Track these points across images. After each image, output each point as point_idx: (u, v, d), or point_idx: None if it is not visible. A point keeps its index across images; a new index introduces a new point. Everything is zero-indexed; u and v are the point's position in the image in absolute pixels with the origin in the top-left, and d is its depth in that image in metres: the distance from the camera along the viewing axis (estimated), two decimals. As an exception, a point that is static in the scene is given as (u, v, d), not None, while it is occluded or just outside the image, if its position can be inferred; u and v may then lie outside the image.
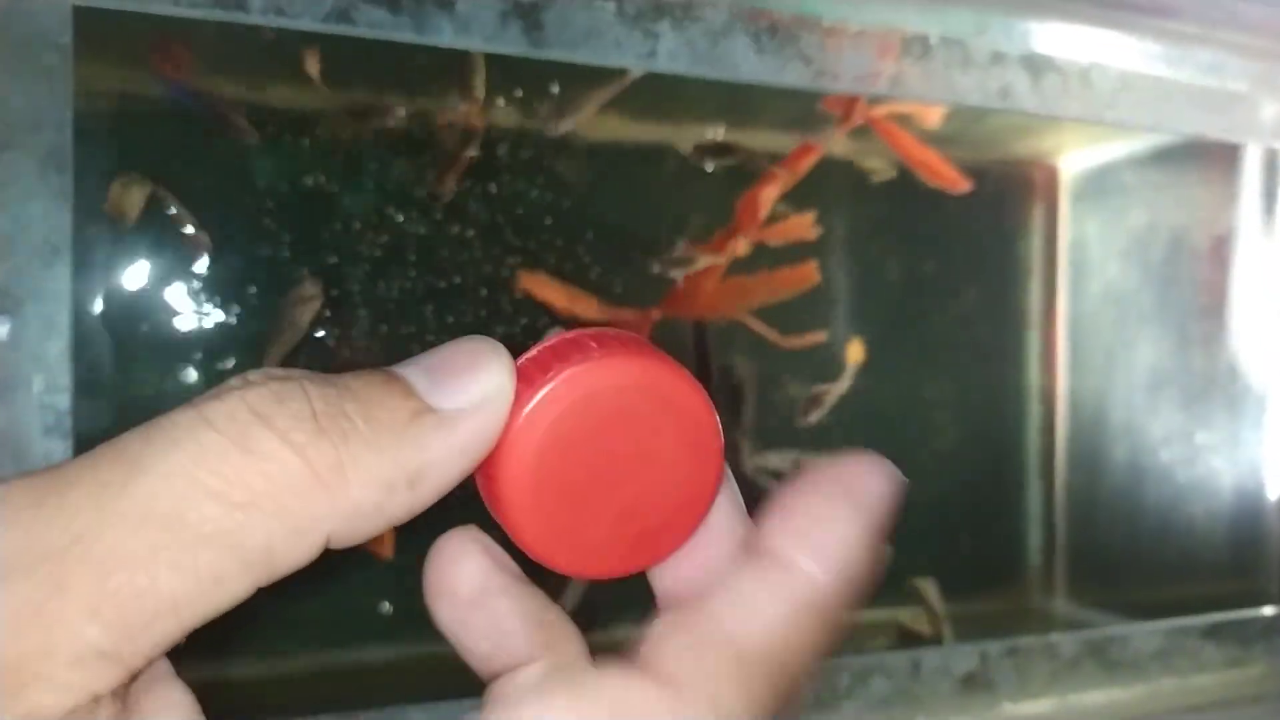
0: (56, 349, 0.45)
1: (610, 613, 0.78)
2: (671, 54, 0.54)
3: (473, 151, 0.71)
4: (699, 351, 0.79)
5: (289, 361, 0.66)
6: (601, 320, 0.76)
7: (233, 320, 0.68)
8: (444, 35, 0.50)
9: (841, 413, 0.87)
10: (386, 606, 0.72)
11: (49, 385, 0.44)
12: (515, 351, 0.25)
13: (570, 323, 0.77)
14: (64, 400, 0.45)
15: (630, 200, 0.80)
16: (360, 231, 0.73)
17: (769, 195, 0.76)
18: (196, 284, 0.66)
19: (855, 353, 0.79)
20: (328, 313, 0.67)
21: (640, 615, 0.78)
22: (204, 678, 0.67)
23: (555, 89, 0.70)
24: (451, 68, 0.70)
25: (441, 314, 0.74)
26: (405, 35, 0.49)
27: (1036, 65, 0.64)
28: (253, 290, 0.67)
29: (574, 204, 0.78)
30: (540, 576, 0.26)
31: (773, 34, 0.56)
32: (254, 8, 0.45)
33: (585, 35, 0.52)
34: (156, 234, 0.63)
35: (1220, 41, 0.70)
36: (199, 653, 0.66)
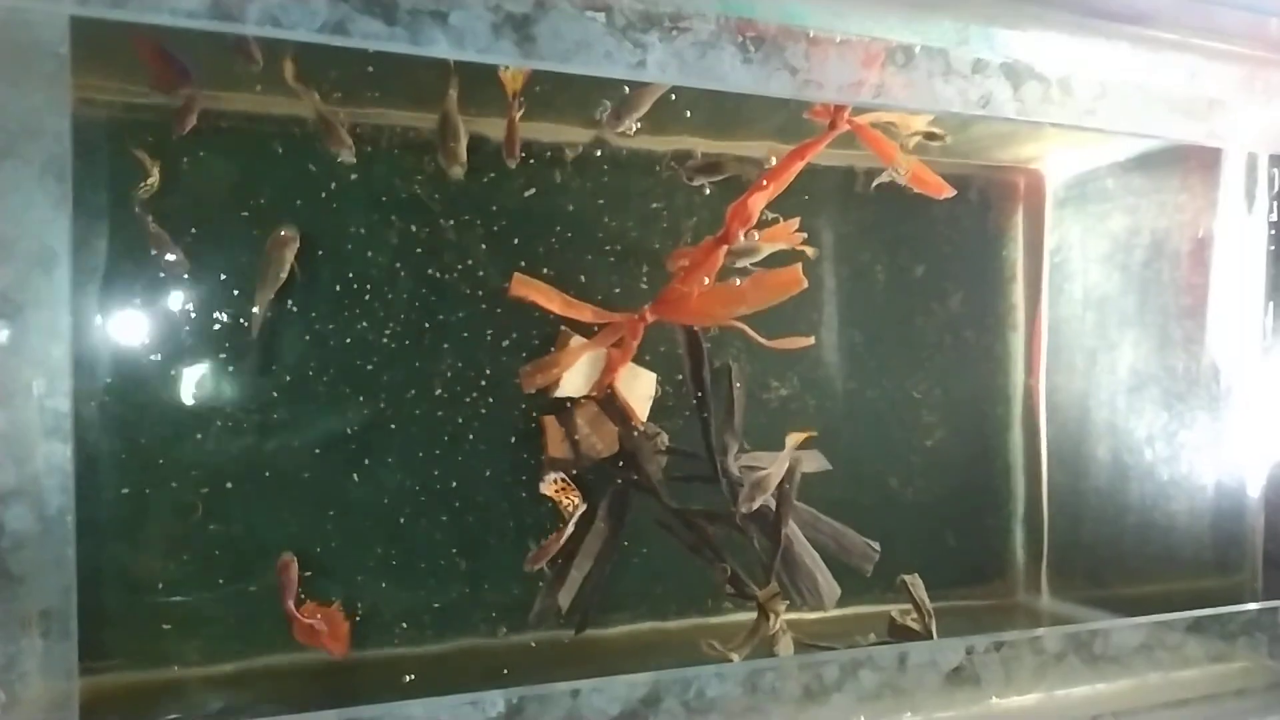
0: (57, 353, 0.45)
1: (605, 611, 0.80)
2: (660, 64, 0.55)
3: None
4: (692, 354, 0.80)
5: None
6: (596, 323, 0.77)
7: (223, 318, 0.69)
8: (438, 47, 0.51)
9: (830, 414, 0.88)
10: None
11: (50, 389, 0.45)
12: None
13: (567, 325, 0.78)
14: (64, 404, 0.45)
15: (625, 206, 0.82)
16: (354, 236, 0.74)
17: (758, 202, 0.77)
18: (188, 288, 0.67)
19: (795, 439, 0.80)
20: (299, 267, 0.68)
21: (631, 614, 0.78)
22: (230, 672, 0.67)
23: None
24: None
25: (442, 320, 0.75)
26: (400, 47, 0.50)
27: (1017, 73, 0.65)
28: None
29: (569, 211, 0.79)
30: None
31: (759, 44, 0.57)
32: (249, 19, 0.46)
33: (576, 47, 0.53)
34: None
35: (1199, 48, 0.71)
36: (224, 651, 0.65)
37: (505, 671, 0.75)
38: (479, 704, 0.49)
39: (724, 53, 0.56)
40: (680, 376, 0.81)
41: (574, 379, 0.78)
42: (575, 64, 0.52)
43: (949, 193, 0.78)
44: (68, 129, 0.46)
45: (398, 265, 0.75)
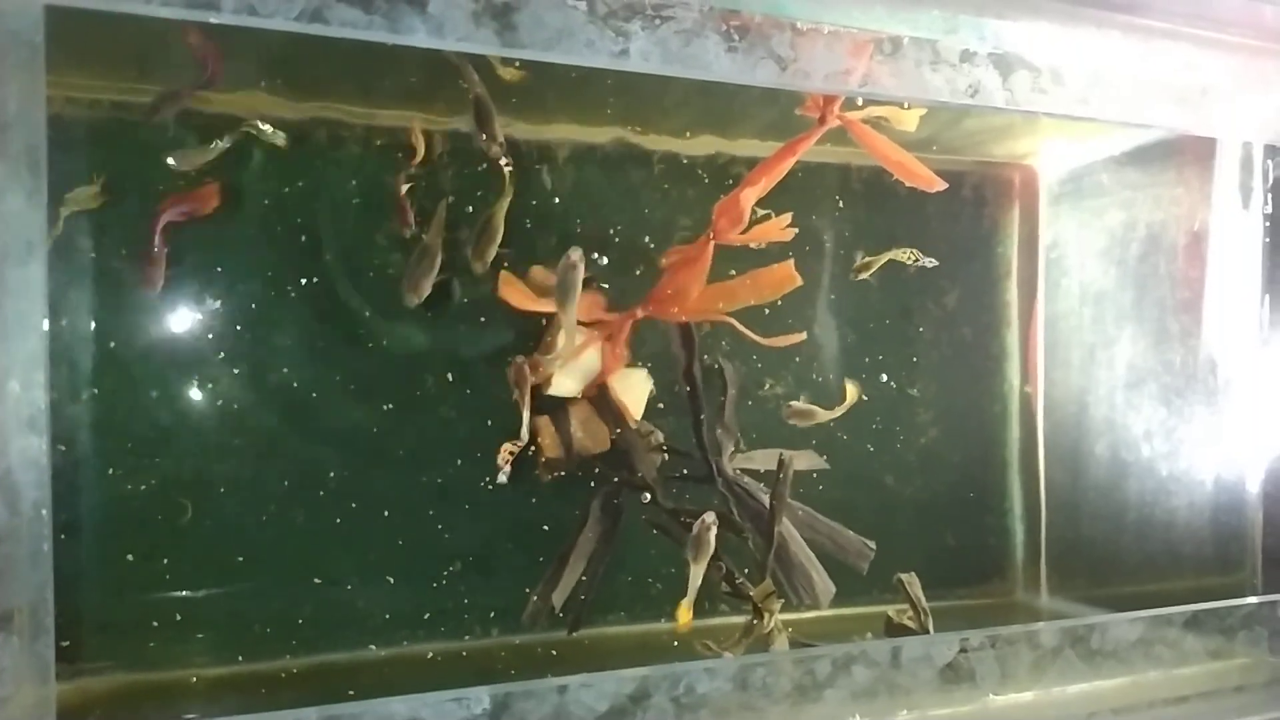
0: (32, 347, 0.45)
1: (600, 610, 0.79)
2: (643, 53, 0.55)
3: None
4: (685, 350, 0.79)
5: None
6: (588, 321, 0.77)
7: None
8: (417, 35, 0.50)
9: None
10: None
11: (25, 382, 0.45)
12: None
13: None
14: (40, 397, 0.45)
15: (613, 203, 0.81)
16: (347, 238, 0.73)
17: (748, 198, 0.76)
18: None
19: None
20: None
21: (626, 614, 0.77)
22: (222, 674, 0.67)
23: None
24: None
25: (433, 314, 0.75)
26: (379, 35, 0.50)
27: (1007, 63, 0.64)
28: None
29: (557, 208, 0.78)
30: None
31: (743, 33, 0.57)
32: (225, 7, 0.46)
33: (558, 35, 0.53)
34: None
35: (1193, 36, 0.70)
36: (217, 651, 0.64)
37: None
38: (463, 701, 0.49)
39: (708, 41, 0.55)
40: (673, 376, 0.80)
41: (567, 379, 0.78)
42: (556, 53, 0.51)
43: (940, 186, 0.77)
44: (43, 119, 0.45)
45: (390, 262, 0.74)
